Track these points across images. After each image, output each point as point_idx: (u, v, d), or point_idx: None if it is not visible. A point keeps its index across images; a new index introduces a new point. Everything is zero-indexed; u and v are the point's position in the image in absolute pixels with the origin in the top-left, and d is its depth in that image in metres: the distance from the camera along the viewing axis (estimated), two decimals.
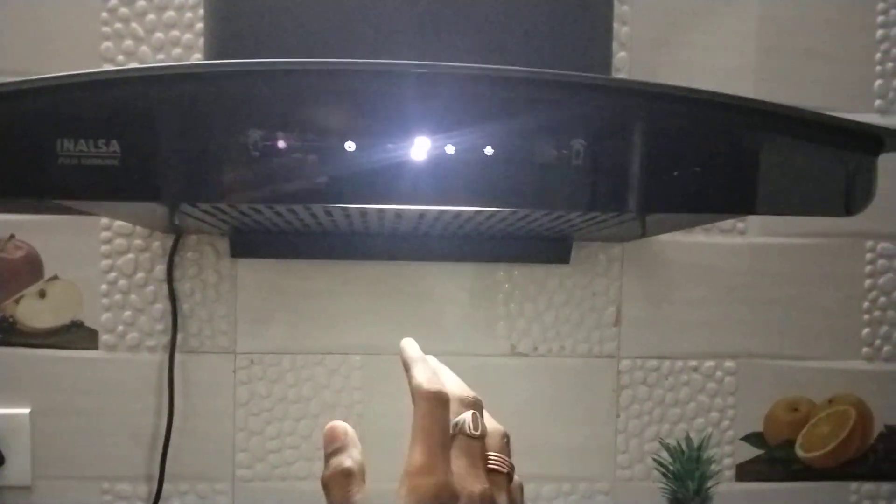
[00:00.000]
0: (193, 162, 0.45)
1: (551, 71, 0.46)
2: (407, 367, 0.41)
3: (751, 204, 0.49)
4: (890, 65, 0.92)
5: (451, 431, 0.38)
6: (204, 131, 0.45)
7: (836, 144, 0.49)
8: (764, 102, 0.46)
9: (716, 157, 0.48)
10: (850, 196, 0.50)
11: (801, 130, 0.48)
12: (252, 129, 0.45)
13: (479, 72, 0.46)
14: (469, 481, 0.37)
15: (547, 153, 0.47)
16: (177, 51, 0.85)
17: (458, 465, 0.37)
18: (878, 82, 0.92)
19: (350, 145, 0.45)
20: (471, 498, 0.36)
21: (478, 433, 0.39)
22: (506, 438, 0.41)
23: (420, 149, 0.46)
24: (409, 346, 0.44)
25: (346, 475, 0.38)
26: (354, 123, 0.45)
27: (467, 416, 0.39)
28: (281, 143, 0.45)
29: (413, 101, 0.46)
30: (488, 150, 0.46)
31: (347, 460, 0.38)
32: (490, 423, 0.41)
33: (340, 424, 0.40)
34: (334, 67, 0.45)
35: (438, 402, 0.38)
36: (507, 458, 0.40)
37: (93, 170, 0.45)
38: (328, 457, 0.39)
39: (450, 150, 0.46)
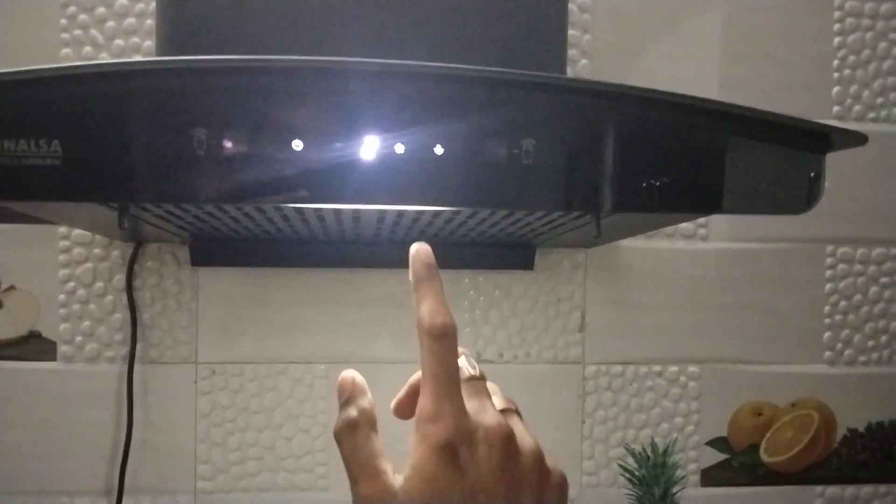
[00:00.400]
0: (136, 162, 0.44)
1: (501, 69, 0.46)
2: (413, 289, 0.39)
3: (700, 204, 0.49)
4: (847, 72, 0.94)
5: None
6: (147, 130, 0.44)
7: (786, 143, 0.49)
8: (710, 101, 0.47)
9: (665, 156, 0.48)
10: (800, 194, 0.50)
11: (751, 129, 0.48)
12: (196, 127, 0.44)
13: (429, 70, 0.45)
14: (482, 417, 0.36)
15: (497, 152, 0.47)
16: (137, 57, 0.85)
17: (468, 406, 0.37)
18: (836, 89, 0.94)
19: (298, 144, 0.45)
20: (487, 432, 0.36)
21: (477, 373, 0.39)
22: (496, 386, 0.41)
23: (369, 148, 0.45)
24: (419, 258, 0.40)
25: (352, 426, 0.38)
26: (302, 122, 0.45)
27: (461, 361, 0.38)
28: (226, 142, 0.44)
29: (362, 99, 0.45)
30: (438, 150, 0.46)
31: (353, 411, 0.38)
32: None
33: (348, 375, 0.40)
34: (280, 65, 0.44)
35: (441, 337, 0.37)
36: (510, 399, 0.40)
37: (34, 170, 0.44)
38: (339, 409, 0.39)
39: (399, 149, 0.46)
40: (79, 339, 0.85)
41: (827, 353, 0.94)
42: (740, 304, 0.93)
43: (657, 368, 0.92)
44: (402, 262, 0.85)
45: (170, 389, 0.86)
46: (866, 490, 0.95)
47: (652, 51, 0.91)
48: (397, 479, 0.36)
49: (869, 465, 0.95)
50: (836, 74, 0.94)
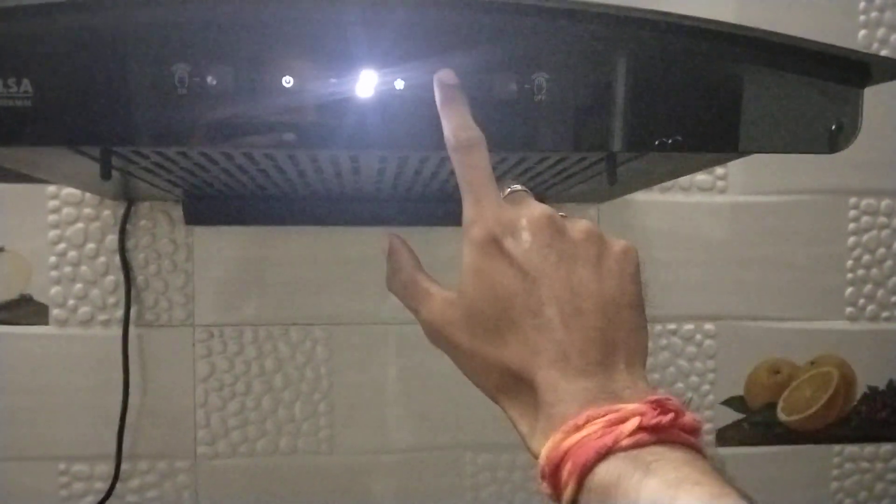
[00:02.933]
0: (113, 102, 0.41)
1: None
2: (440, 112, 0.40)
3: (723, 141, 0.45)
4: (874, 14, 0.89)
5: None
6: (124, 68, 0.41)
7: (819, 74, 0.45)
8: (742, 27, 0.42)
9: (690, 88, 0.44)
10: (835, 132, 0.46)
11: (781, 57, 0.44)
12: (177, 63, 0.40)
13: None
14: (524, 209, 0.38)
15: (506, 88, 0.43)
16: None
17: (511, 207, 0.38)
18: (862, 32, 0.89)
19: (288, 80, 0.41)
20: (530, 219, 0.37)
21: (519, 187, 0.41)
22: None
23: (366, 84, 0.42)
24: (441, 79, 0.41)
25: (395, 272, 0.43)
26: (292, 56, 0.41)
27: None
28: (210, 79, 0.41)
29: (358, 30, 0.41)
30: None
31: (392, 262, 0.44)
32: None
33: (385, 240, 0.45)
34: None
35: (469, 148, 0.39)
36: None
37: (3, 112, 0.40)
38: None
39: (399, 85, 0.42)
40: (71, 302, 0.82)
41: (849, 309, 0.91)
42: (759, 258, 0.89)
43: (672, 326, 0.89)
44: (406, 219, 0.82)
45: (167, 353, 0.83)
46: (886, 448, 0.93)
47: None
48: (452, 290, 0.39)
49: (889, 422, 0.93)
50: (862, 17, 0.89)
